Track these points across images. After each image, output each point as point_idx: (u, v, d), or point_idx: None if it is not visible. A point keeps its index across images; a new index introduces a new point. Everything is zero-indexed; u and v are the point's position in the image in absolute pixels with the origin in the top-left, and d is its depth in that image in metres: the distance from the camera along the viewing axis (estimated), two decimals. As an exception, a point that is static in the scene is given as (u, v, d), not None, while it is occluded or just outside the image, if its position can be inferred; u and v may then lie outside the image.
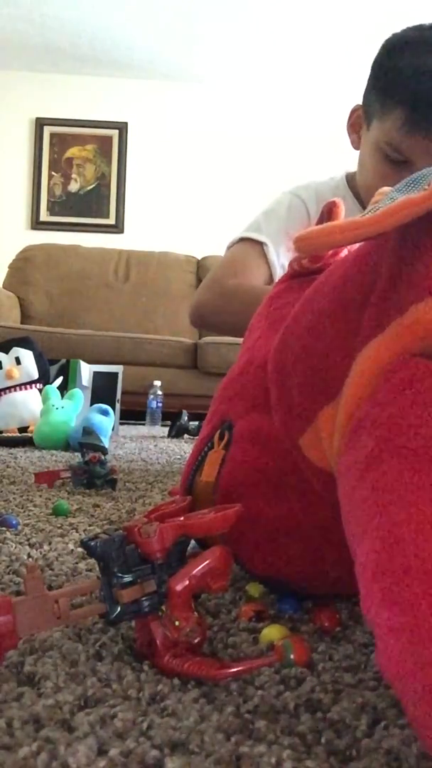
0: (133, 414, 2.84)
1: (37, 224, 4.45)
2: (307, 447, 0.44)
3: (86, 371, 2.33)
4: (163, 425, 2.83)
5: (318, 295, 0.45)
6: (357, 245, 0.44)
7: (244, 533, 0.49)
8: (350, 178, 1.32)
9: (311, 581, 0.50)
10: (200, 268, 3.77)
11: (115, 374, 2.37)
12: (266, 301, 0.61)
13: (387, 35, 1.15)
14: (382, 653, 0.27)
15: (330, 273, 0.46)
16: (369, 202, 1.35)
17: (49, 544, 0.69)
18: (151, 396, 2.81)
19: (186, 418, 2.50)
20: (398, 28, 1.08)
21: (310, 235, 0.38)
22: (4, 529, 0.75)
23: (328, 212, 0.61)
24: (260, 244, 1.27)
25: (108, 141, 4.51)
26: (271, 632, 0.43)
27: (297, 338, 0.45)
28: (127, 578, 0.39)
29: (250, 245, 1.29)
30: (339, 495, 0.35)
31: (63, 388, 2.16)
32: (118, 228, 4.47)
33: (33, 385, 2.17)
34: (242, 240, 1.31)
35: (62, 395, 1.98)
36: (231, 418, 0.54)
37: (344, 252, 0.55)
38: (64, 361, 2.39)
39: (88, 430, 1.38)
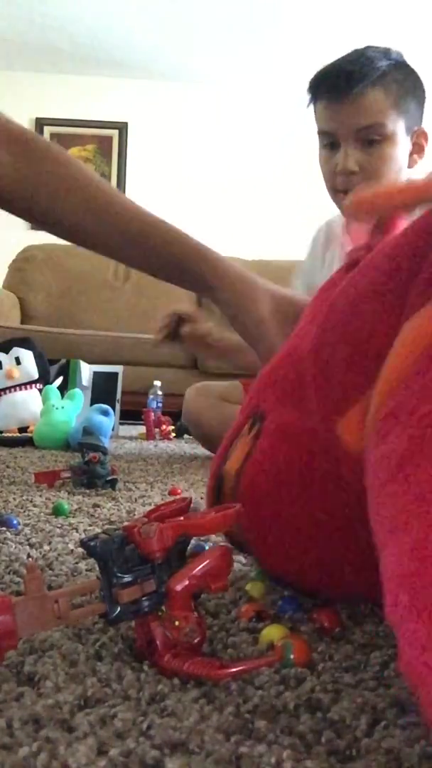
0: (133, 414, 2.84)
1: (37, 224, 4.44)
2: (346, 431, 0.41)
3: (86, 371, 2.33)
4: (163, 425, 2.82)
5: (364, 270, 0.43)
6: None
7: (260, 529, 0.48)
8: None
9: (325, 584, 0.49)
10: (200, 268, 3.76)
11: (115, 374, 2.37)
12: (319, 291, 0.58)
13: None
14: (405, 661, 0.26)
15: (379, 249, 0.44)
16: (330, 196, 1.42)
17: (49, 544, 0.69)
18: (151, 396, 2.81)
19: (186, 418, 2.50)
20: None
21: (366, 198, 0.36)
22: (4, 529, 0.75)
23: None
24: None
25: (108, 141, 4.51)
26: (271, 632, 0.43)
27: (340, 313, 0.43)
28: (127, 578, 0.39)
29: None
30: (367, 486, 0.34)
31: (63, 388, 2.16)
32: (118, 228, 4.47)
33: (33, 385, 2.17)
34: None
35: (62, 395, 1.98)
36: (263, 408, 0.52)
37: None
38: (64, 361, 2.39)
39: (88, 430, 1.38)
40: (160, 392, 2.83)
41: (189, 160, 4.49)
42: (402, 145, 1.28)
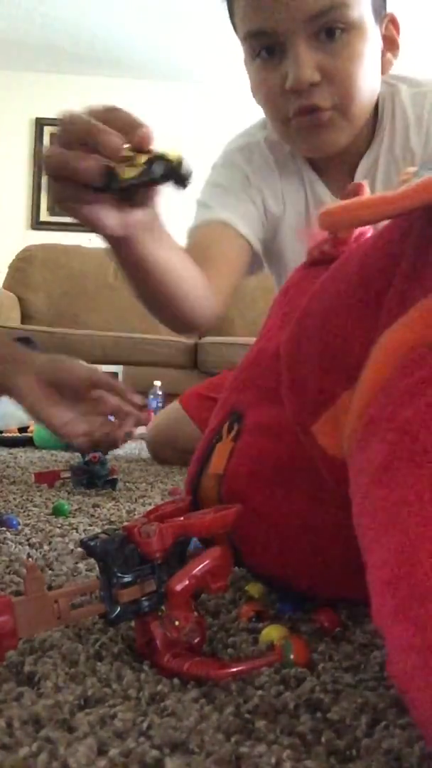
0: (133, 414, 2.84)
1: (37, 224, 4.45)
2: (321, 434, 0.41)
3: (86, 371, 2.32)
4: (163, 425, 2.82)
5: (337, 275, 0.43)
6: (380, 226, 0.42)
7: (248, 529, 0.48)
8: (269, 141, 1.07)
9: (314, 583, 0.49)
10: (200, 268, 3.77)
11: (115, 374, 2.37)
12: (283, 289, 0.59)
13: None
14: (393, 665, 0.26)
15: (350, 255, 0.44)
16: (276, 129, 1.00)
17: (49, 544, 0.69)
18: (151, 396, 2.81)
19: (186, 418, 2.50)
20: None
21: (336, 211, 0.36)
22: (4, 529, 0.75)
23: (353, 194, 0.59)
24: (222, 224, 1.02)
25: (108, 141, 4.51)
26: (271, 632, 0.43)
27: (314, 320, 0.43)
28: (127, 578, 0.39)
29: (213, 229, 1.04)
30: (351, 493, 0.34)
31: (63, 388, 2.15)
32: (118, 228, 4.47)
33: (33, 385, 2.16)
34: (199, 227, 1.07)
35: (62, 395, 1.98)
36: (241, 408, 0.52)
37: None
38: (64, 361, 2.39)
39: (88, 430, 1.38)
40: (160, 392, 2.84)
41: (188, 160, 4.49)
42: (372, 36, 0.88)
